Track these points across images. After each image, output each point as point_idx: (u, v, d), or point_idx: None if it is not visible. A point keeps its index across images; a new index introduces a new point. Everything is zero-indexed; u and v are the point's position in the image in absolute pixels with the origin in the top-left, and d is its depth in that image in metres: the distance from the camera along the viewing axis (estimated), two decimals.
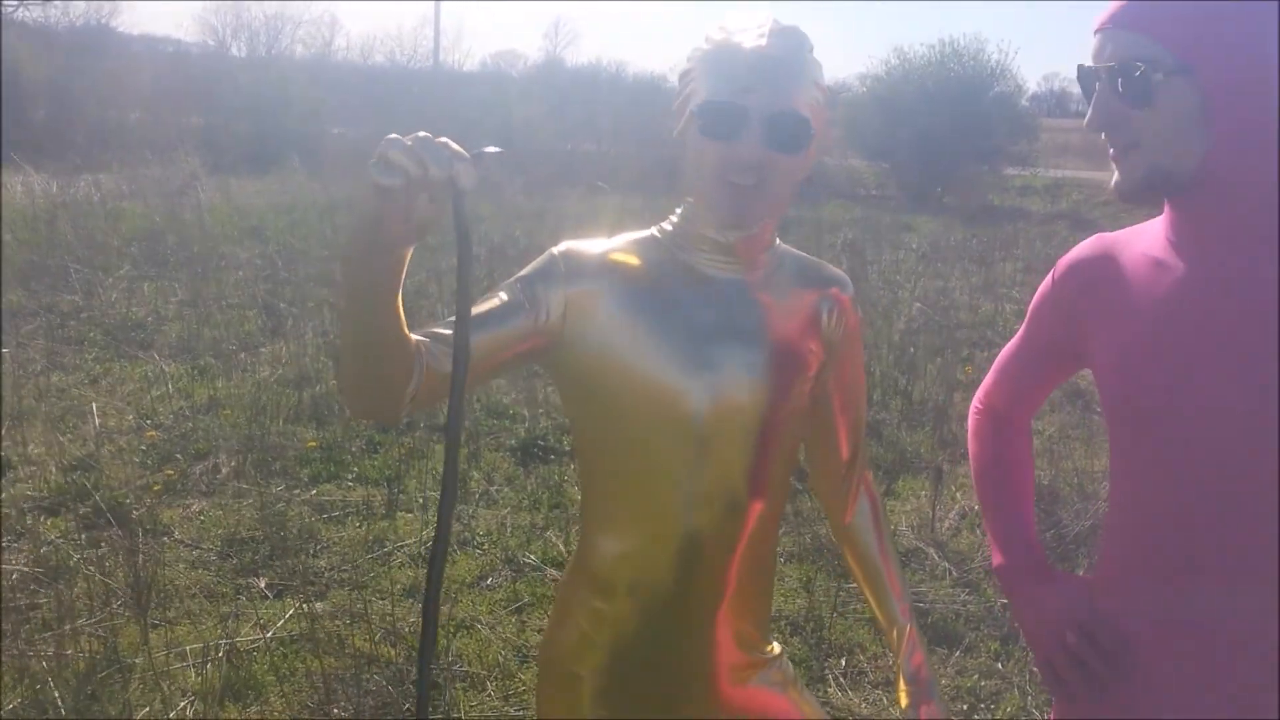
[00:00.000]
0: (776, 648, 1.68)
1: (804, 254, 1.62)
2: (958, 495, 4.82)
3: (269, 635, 3.40)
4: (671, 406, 1.45)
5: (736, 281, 1.51)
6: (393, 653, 3.34)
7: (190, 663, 3.24)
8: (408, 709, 3.02)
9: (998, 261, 11.19)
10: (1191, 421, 1.27)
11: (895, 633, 1.70)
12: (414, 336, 1.30)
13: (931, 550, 4.25)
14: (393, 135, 1.06)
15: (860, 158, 20.98)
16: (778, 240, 1.58)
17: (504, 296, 1.43)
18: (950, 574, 4.06)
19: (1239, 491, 1.24)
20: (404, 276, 1.20)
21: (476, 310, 1.39)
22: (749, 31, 1.40)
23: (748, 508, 1.51)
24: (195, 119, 19.54)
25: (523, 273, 1.47)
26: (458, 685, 3.22)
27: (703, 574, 1.52)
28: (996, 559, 1.58)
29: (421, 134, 1.08)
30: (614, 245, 1.51)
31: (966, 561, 4.17)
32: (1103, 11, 1.28)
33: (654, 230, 1.55)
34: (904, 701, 1.68)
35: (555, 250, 1.48)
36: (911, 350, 7.00)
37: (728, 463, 1.48)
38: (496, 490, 4.74)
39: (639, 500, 1.51)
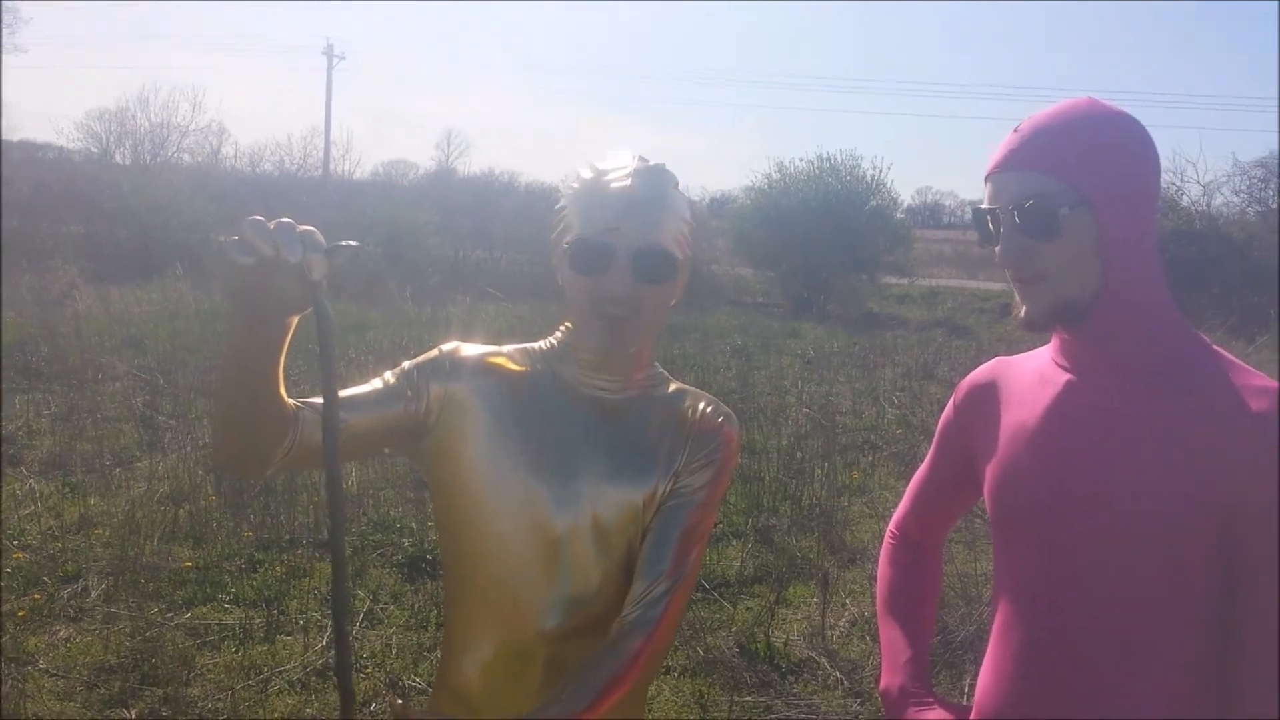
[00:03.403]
0: None
1: (694, 389, 1.64)
2: (847, 602, 4.86)
3: None
4: (528, 510, 1.50)
5: (607, 399, 1.57)
6: None
7: None
8: None
9: (879, 367, 11.53)
10: (1062, 527, 1.34)
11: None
12: (291, 402, 1.37)
13: (823, 659, 4.26)
14: (256, 217, 1.14)
15: (747, 266, 21.51)
16: (661, 370, 1.64)
17: (385, 381, 1.52)
18: (842, 684, 4.08)
19: (1106, 594, 1.31)
20: (285, 348, 1.27)
21: (358, 390, 1.48)
22: (616, 172, 1.50)
23: (609, 617, 1.52)
24: (75, 227, 19.09)
25: (409, 363, 1.55)
26: None
27: None
28: (885, 679, 1.62)
29: (284, 220, 1.16)
30: (499, 351, 1.60)
31: (858, 670, 4.19)
32: (994, 158, 1.37)
33: (540, 343, 1.63)
34: None
35: (444, 347, 1.58)
36: (799, 455, 7.11)
37: (585, 572, 1.52)
38: (382, 608, 4.62)
39: (498, 606, 1.52)
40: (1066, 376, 1.39)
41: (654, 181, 1.50)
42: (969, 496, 1.64)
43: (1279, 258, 14.46)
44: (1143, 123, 1.35)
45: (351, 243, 1.21)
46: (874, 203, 20.33)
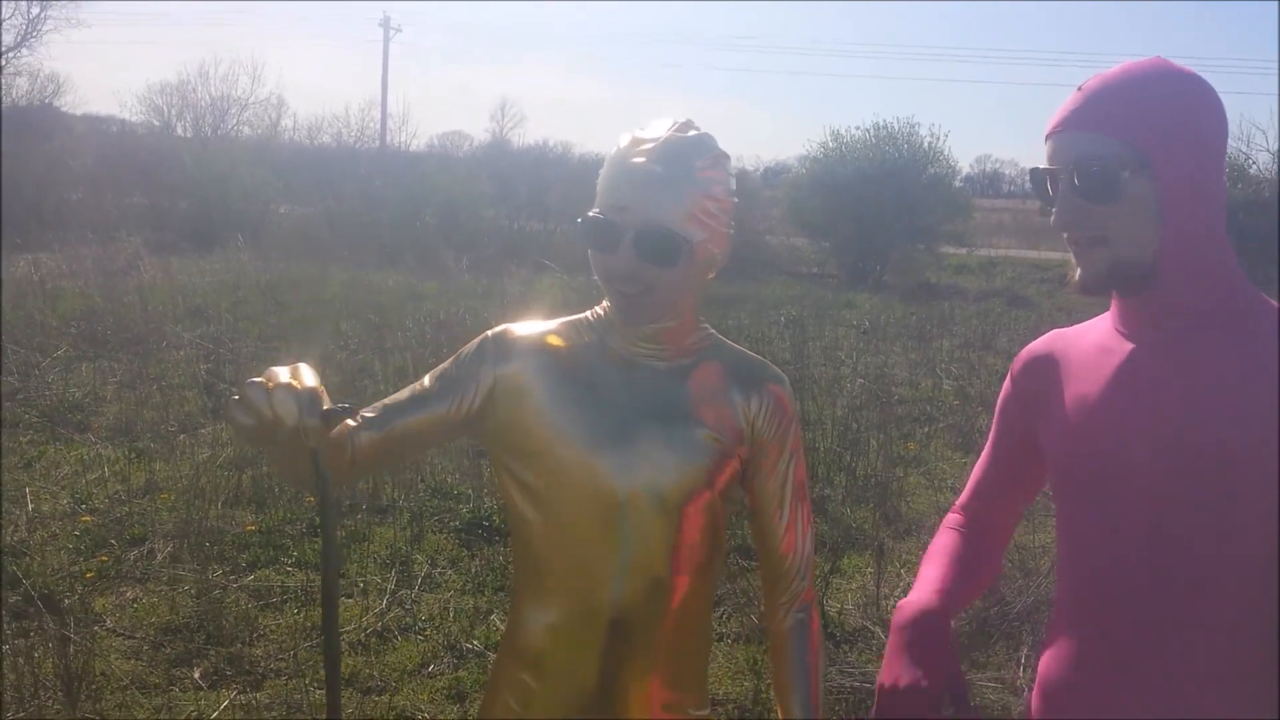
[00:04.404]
0: (706, 713, 1.68)
1: (745, 350, 1.66)
2: (902, 572, 4.84)
3: None
4: (589, 480, 1.52)
5: (660, 367, 1.58)
6: None
7: None
8: None
9: (936, 338, 11.41)
10: (1127, 496, 1.33)
11: None
12: (350, 422, 1.41)
13: (877, 629, 4.25)
14: (255, 379, 1.21)
15: (802, 236, 21.31)
16: (711, 331, 1.64)
17: (435, 379, 1.57)
18: None
19: (1173, 562, 1.29)
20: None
21: (411, 393, 1.56)
22: (643, 145, 1.46)
23: (671, 582, 1.55)
24: (139, 198, 19.42)
25: (456, 356, 1.60)
26: None
27: (631, 648, 1.55)
28: (897, 617, 1.45)
29: (284, 382, 1.21)
30: (547, 327, 1.62)
31: None
32: (1055, 117, 1.34)
33: (588, 314, 1.63)
34: None
35: (489, 334, 1.61)
36: (855, 426, 7.07)
37: (647, 538, 1.53)
38: (440, 573, 4.68)
39: (565, 572, 1.56)
40: (1128, 345, 1.36)
41: (676, 157, 1.45)
42: (1034, 476, 1.57)
43: None
44: (1211, 86, 1.31)
45: (346, 405, 1.27)
46: (932, 171, 20.00)
